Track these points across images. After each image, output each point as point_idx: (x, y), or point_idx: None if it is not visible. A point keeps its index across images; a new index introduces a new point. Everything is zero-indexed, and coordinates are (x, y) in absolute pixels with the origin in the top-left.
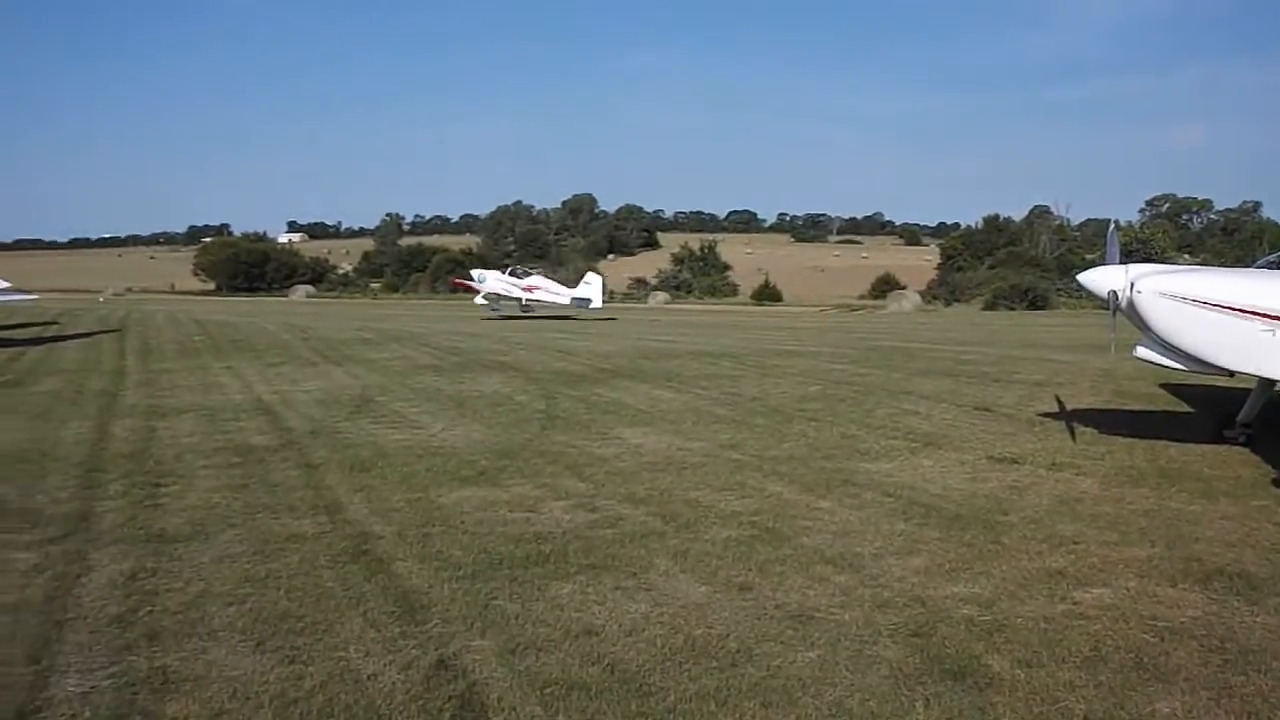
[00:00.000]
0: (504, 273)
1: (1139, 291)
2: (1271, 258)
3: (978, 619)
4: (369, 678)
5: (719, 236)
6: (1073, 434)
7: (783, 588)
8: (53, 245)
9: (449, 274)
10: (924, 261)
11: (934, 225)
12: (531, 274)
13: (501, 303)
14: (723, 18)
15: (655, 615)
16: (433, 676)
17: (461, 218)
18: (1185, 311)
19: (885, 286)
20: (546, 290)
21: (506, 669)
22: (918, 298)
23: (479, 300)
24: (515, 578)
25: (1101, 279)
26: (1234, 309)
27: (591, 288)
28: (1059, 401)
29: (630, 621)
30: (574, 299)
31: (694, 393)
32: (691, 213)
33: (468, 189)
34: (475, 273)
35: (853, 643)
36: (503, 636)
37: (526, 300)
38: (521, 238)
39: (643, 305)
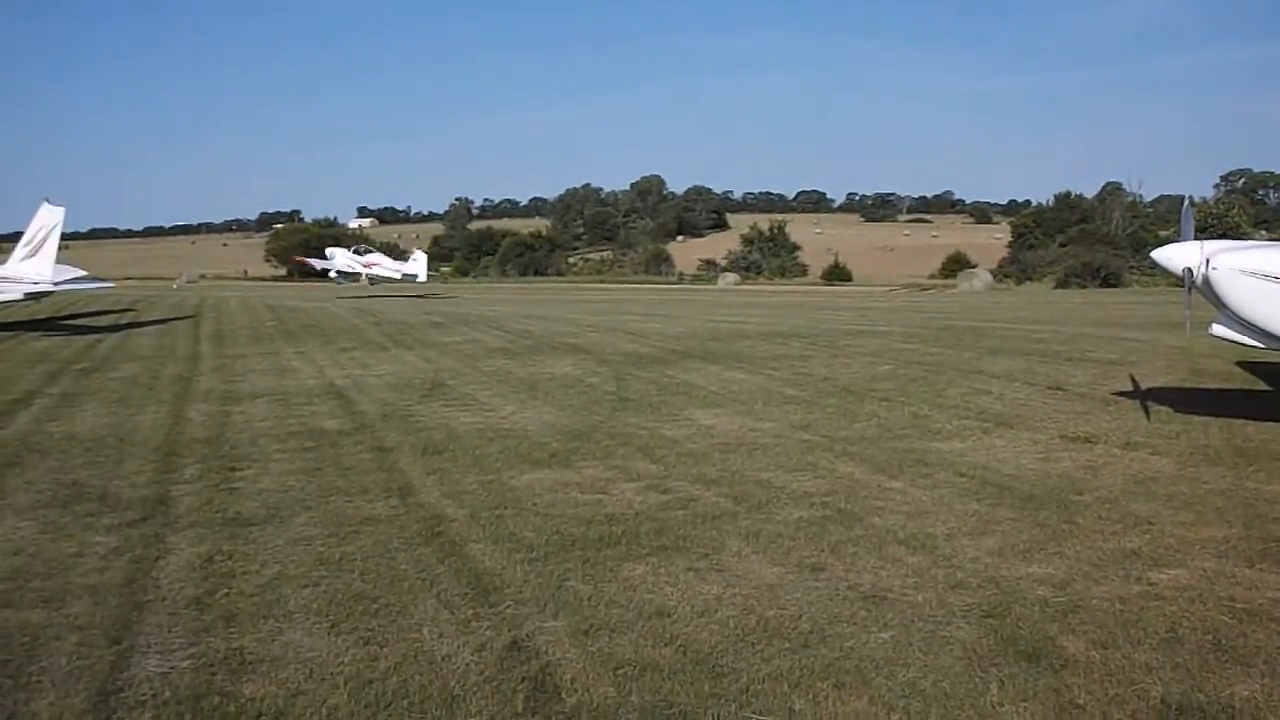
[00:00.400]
0: (350, 251)
1: (1215, 268)
2: None
3: (1052, 600)
4: (443, 659)
5: (788, 217)
6: (1147, 413)
7: (855, 568)
8: (128, 234)
9: (518, 256)
10: (995, 240)
11: (1005, 203)
12: (371, 252)
13: (346, 278)
14: None
15: (728, 596)
16: (506, 658)
17: (530, 201)
18: (1263, 288)
19: (956, 265)
20: (383, 266)
21: (579, 650)
22: (989, 276)
23: (332, 275)
24: (587, 559)
25: (1176, 256)
26: None
27: (418, 264)
28: (1133, 380)
29: (703, 602)
30: (403, 274)
31: (764, 374)
32: (760, 193)
33: (536, 172)
34: (328, 250)
35: (926, 624)
36: (575, 618)
37: (367, 275)
38: (590, 220)
39: (713, 286)
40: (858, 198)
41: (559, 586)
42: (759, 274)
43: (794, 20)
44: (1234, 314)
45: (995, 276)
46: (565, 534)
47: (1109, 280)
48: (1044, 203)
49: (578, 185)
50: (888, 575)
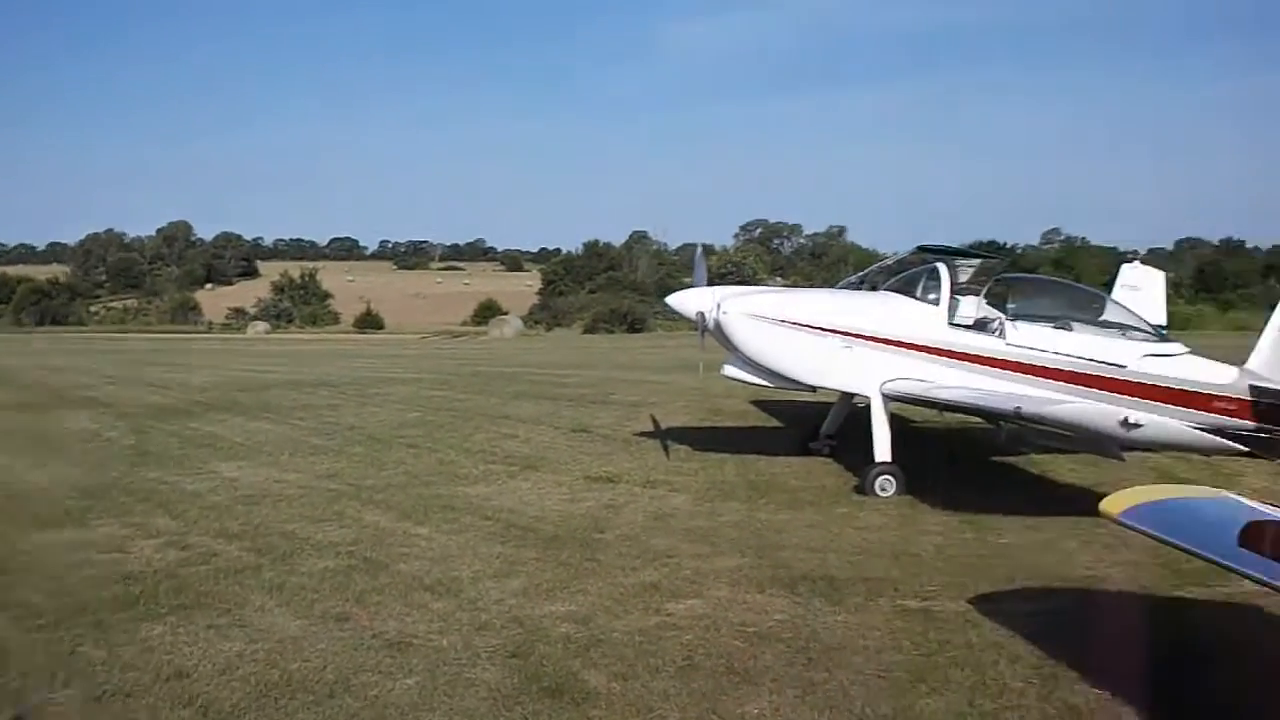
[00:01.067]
0: None
1: (725, 312)
2: (852, 279)
3: (575, 636)
4: None
5: (320, 264)
6: (667, 451)
7: (380, 616)
8: None
9: (34, 304)
10: (526, 287)
11: (535, 251)
12: None
13: None
14: (329, 28)
15: (249, 652)
16: None
17: (48, 246)
18: (768, 331)
19: (488, 312)
20: None
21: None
22: (519, 323)
23: None
24: (102, 622)
25: (689, 301)
26: (813, 327)
27: None
28: (654, 421)
29: (223, 660)
30: None
31: (291, 423)
32: (291, 240)
33: (54, 216)
34: None
35: (451, 667)
36: (88, 685)
37: None
38: (113, 267)
39: (243, 335)
40: (390, 245)
41: (70, 653)
42: (290, 322)
43: (312, 65)
44: (744, 355)
45: (526, 323)
46: (78, 597)
47: (635, 325)
48: (573, 250)
49: (100, 230)
50: (413, 621)
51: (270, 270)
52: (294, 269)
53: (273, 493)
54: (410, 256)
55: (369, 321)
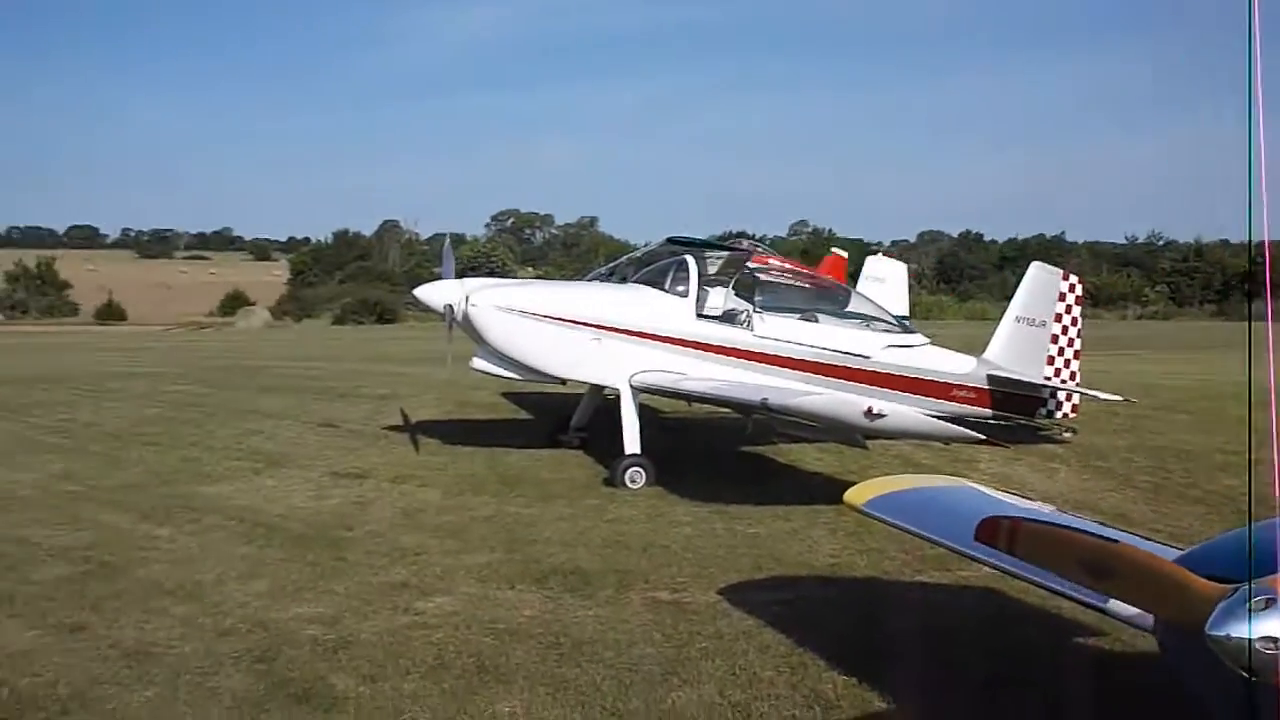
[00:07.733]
0: None
1: (474, 305)
2: (602, 270)
3: (322, 638)
4: None
5: (58, 253)
6: (416, 445)
7: (118, 624)
8: None
9: None
10: (274, 277)
11: (284, 240)
12: None
13: None
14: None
15: None
16: None
17: None
18: (518, 323)
19: (235, 303)
20: None
21: None
22: (267, 314)
23: None
24: None
25: (437, 294)
26: (563, 319)
27: None
28: (404, 414)
29: None
30: None
31: (25, 421)
32: (28, 227)
33: None
34: None
35: (194, 675)
36: None
37: None
38: None
39: None
40: (133, 233)
41: None
42: (25, 314)
43: (58, 48)
44: (493, 348)
45: (274, 314)
46: None
47: (385, 316)
48: (323, 240)
49: None
50: (154, 629)
51: (3, 259)
52: (29, 257)
53: (3, 494)
54: (154, 245)
55: (110, 313)
